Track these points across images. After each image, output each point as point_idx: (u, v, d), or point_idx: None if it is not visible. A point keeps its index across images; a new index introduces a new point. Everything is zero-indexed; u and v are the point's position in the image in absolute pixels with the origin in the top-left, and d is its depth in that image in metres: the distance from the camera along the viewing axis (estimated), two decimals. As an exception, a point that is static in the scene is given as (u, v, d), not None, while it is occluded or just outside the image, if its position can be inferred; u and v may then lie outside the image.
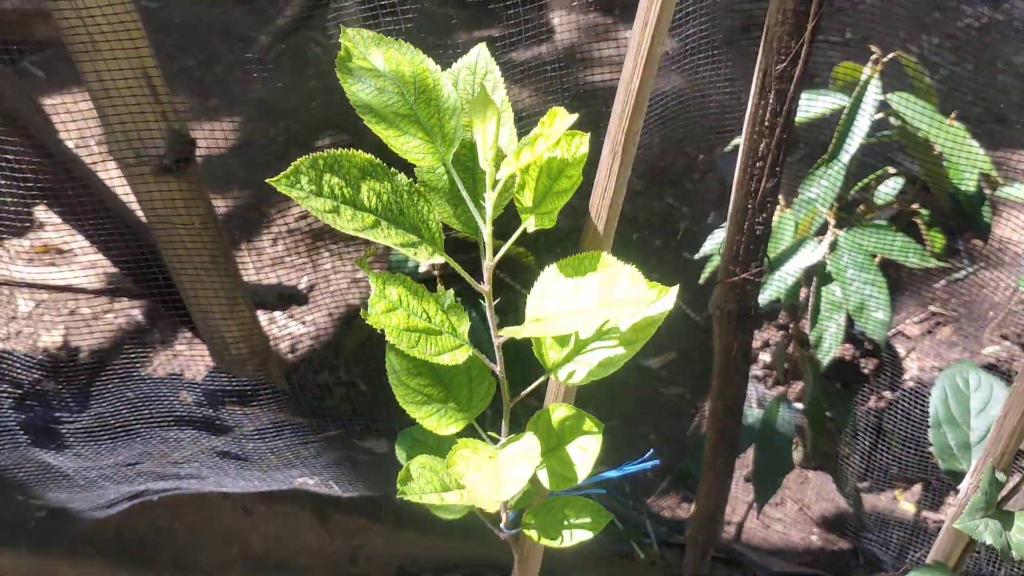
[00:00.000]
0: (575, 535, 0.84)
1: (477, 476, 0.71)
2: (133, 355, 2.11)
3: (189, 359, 2.10)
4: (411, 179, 0.68)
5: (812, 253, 1.80)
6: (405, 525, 1.53)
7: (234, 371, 1.38)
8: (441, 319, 0.71)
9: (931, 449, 1.02)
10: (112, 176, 1.55)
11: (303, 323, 2.29)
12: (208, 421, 1.29)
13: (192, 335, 2.02)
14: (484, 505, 0.68)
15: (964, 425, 1.03)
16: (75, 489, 1.27)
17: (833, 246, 1.80)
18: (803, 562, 1.82)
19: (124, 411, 1.28)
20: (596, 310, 0.63)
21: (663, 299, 0.70)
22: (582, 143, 0.64)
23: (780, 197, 1.91)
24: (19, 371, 1.44)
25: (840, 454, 1.89)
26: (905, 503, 2.05)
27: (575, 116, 0.59)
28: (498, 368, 0.75)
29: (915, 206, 1.99)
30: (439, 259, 0.67)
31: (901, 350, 2.31)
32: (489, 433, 0.80)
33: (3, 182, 1.29)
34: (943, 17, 3.28)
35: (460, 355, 0.71)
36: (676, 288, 0.71)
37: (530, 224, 0.68)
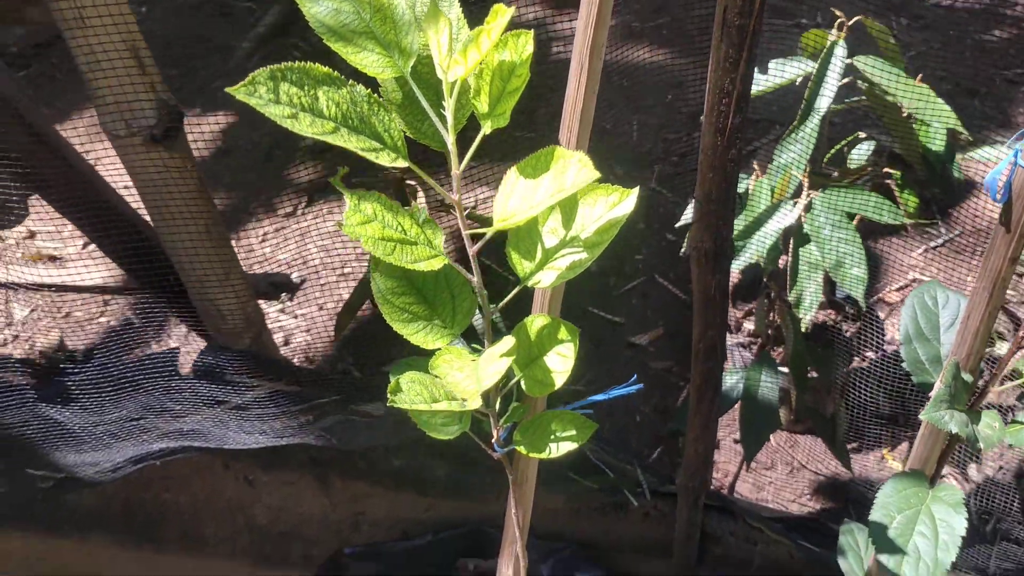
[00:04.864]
0: (561, 447, 0.87)
1: (459, 375, 0.74)
2: (129, 352, 2.13)
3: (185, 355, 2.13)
4: (371, 90, 0.71)
5: (788, 215, 1.84)
6: (405, 487, 1.56)
7: (231, 343, 1.41)
8: (416, 232, 0.75)
9: (904, 365, 1.06)
10: (108, 168, 1.58)
11: (295, 316, 2.32)
12: (211, 372, 1.32)
13: (188, 329, 2.05)
14: (466, 396, 0.71)
15: (934, 340, 1.07)
16: (82, 449, 1.30)
17: (808, 207, 1.84)
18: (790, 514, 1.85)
19: (128, 362, 1.31)
20: (551, 197, 0.66)
21: (624, 202, 0.74)
22: (527, 41, 0.67)
23: (755, 165, 1.95)
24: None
25: (826, 412, 1.92)
26: (893, 461, 2.09)
27: (512, 10, 0.63)
28: (475, 279, 0.79)
29: (887, 169, 2.04)
30: (402, 163, 0.70)
31: (882, 315, 2.35)
32: (473, 346, 0.83)
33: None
34: (911, -4, 3.34)
35: (435, 263, 0.75)
36: (636, 190, 0.74)
37: (487, 127, 0.71)
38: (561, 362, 0.81)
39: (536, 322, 0.82)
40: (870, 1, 3.30)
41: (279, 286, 2.10)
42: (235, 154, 2.82)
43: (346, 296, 2.37)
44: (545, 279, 0.77)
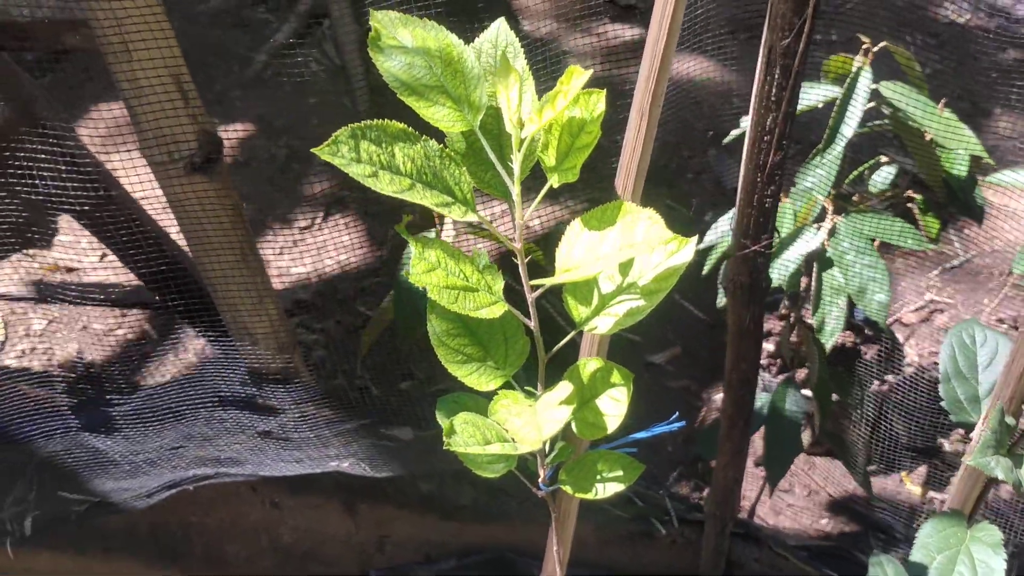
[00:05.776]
0: (608, 488, 0.87)
1: (519, 421, 0.75)
2: (145, 368, 2.14)
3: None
4: (441, 144, 0.72)
5: (812, 240, 1.84)
6: (431, 511, 1.56)
7: (264, 367, 1.41)
8: (477, 278, 0.75)
9: (942, 403, 1.07)
10: (134, 189, 1.58)
11: (313, 331, 2.33)
12: (249, 401, 1.33)
13: (206, 346, 2.05)
14: (526, 444, 0.72)
15: (972, 379, 1.07)
16: (120, 476, 1.31)
17: (832, 232, 1.85)
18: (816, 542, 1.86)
19: (171, 392, 1.32)
20: (619, 252, 0.67)
21: (683, 250, 0.75)
22: (599, 100, 0.68)
23: (778, 188, 1.96)
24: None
25: (847, 436, 1.92)
26: (911, 485, 2.09)
27: (590, 72, 0.63)
28: (532, 323, 0.79)
29: (909, 192, 2.04)
30: (472, 217, 0.71)
31: (900, 337, 2.35)
32: (525, 388, 0.83)
33: (31, 191, 1.33)
34: (926, 15, 3.35)
35: (496, 310, 0.75)
36: (694, 239, 0.75)
37: (554, 181, 0.72)
38: (614, 406, 0.82)
39: (589, 365, 0.82)
40: (885, 20, 3.31)
41: (303, 304, 2.10)
42: (252, 166, 2.82)
43: (364, 311, 2.38)
44: (602, 325, 0.78)
